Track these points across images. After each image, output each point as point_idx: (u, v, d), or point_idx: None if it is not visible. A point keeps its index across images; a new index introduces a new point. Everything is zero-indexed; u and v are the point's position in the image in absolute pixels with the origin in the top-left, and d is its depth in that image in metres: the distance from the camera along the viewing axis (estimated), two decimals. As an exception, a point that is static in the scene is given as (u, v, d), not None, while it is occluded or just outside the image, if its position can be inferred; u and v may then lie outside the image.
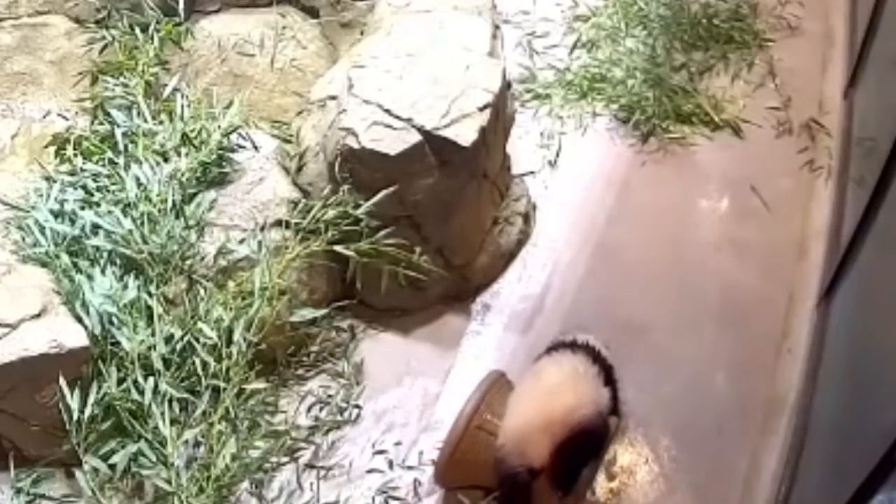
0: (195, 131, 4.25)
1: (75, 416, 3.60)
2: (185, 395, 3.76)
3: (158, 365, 3.77)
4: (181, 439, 3.69)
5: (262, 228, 4.06)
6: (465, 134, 3.98)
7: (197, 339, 3.83)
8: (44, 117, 4.62)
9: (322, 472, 3.90)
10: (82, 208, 4.05)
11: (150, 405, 3.70)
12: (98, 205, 4.06)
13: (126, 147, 4.24)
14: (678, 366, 4.15)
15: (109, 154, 4.24)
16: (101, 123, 4.42)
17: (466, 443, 3.64)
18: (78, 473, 3.67)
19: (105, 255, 3.96)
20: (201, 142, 4.22)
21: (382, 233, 4.02)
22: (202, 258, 4.00)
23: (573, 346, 3.75)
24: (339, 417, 4.05)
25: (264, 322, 3.89)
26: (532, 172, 4.79)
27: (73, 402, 3.60)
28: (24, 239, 4.00)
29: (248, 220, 4.09)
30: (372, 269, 4.05)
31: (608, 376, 3.70)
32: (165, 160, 4.17)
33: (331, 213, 4.04)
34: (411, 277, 4.08)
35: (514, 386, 3.79)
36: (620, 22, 5.38)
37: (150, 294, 3.89)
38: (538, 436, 3.50)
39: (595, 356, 3.71)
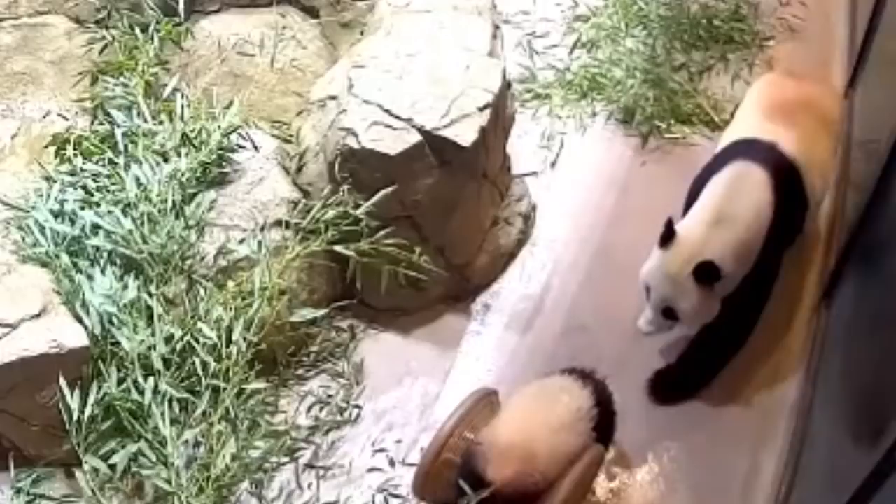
0: (195, 131, 4.25)
1: (75, 416, 3.60)
2: (185, 395, 3.76)
3: (158, 365, 3.77)
4: (181, 439, 3.69)
5: (262, 228, 4.06)
6: (465, 134, 3.99)
7: (197, 339, 3.83)
8: (44, 117, 4.61)
9: (322, 472, 3.90)
10: (82, 208, 4.05)
11: (150, 405, 3.70)
12: (98, 205, 4.06)
13: (126, 147, 4.23)
14: (678, 366, 4.15)
15: (109, 154, 4.23)
16: (101, 123, 4.42)
17: (443, 460, 3.63)
18: (78, 473, 3.67)
19: (105, 255, 3.96)
20: (201, 142, 4.22)
21: (382, 233, 4.02)
22: (202, 258, 4.00)
23: (581, 375, 3.73)
24: (339, 417, 4.05)
25: (264, 322, 3.89)
26: (533, 173, 4.79)
27: (73, 402, 3.61)
28: (24, 239, 4.00)
29: (248, 220, 4.09)
30: (372, 269, 4.05)
31: (606, 409, 3.68)
32: (165, 160, 4.17)
33: (331, 213, 4.04)
34: (411, 277, 4.09)
35: (500, 404, 3.78)
36: (620, 22, 5.37)
37: (150, 294, 3.89)
38: (510, 457, 3.48)
39: (598, 390, 3.70)
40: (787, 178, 3.86)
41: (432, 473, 3.64)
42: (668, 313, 3.81)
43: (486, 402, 3.76)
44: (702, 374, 4.02)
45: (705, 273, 3.66)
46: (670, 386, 4.01)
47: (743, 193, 3.78)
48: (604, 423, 3.67)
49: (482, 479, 3.46)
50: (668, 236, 3.76)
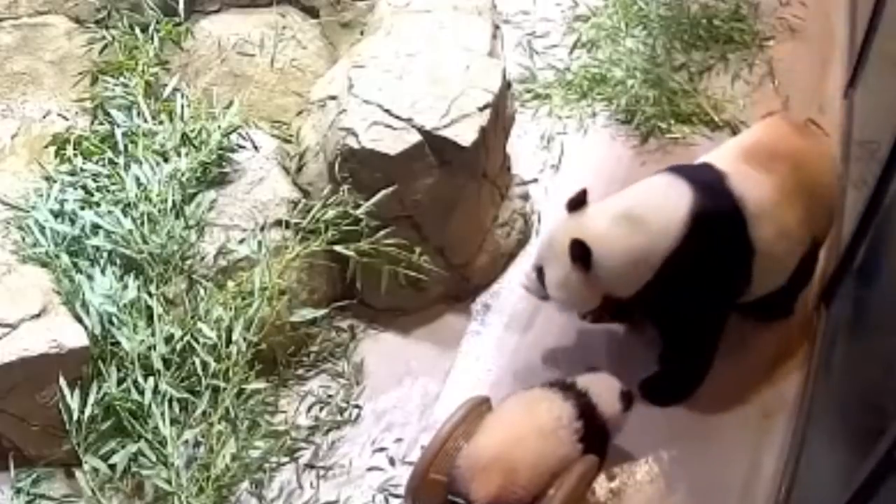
0: (195, 131, 4.25)
1: (75, 416, 3.61)
2: (185, 395, 3.77)
3: (158, 365, 3.77)
4: (181, 439, 3.69)
5: (262, 228, 4.06)
6: (465, 134, 3.99)
7: (197, 339, 3.83)
8: (44, 117, 4.61)
9: (322, 472, 3.90)
10: (82, 208, 4.06)
11: (150, 405, 3.71)
12: (98, 205, 4.07)
13: (126, 147, 4.24)
14: (678, 366, 4.15)
15: (109, 154, 4.24)
16: (101, 123, 4.42)
17: (429, 480, 3.61)
18: (78, 473, 3.68)
19: (105, 255, 3.97)
20: (201, 142, 4.22)
21: (382, 233, 4.02)
22: (202, 258, 4.00)
23: (566, 389, 3.70)
24: (339, 417, 4.05)
25: (264, 322, 3.89)
26: (534, 180, 4.78)
27: (73, 402, 3.61)
28: (24, 239, 4.01)
29: (248, 220, 4.09)
30: (372, 269, 4.05)
31: (591, 421, 3.64)
32: (165, 160, 4.17)
33: (331, 213, 4.05)
34: (411, 277, 4.09)
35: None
36: (620, 22, 5.37)
37: (150, 294, 3.90)
38: (491, 473, 3.45)
39: (583, 404, 3.66)
40: (721, 213, 3.68)
41: (422, 489, 3.63)
42: (540, 276, 3.84)
43: (477, 413, 3.73)
44: (680, 388, 4.03)
45: (577, 251, 3.65)
46: (656, 394, 4.01)
47: (660, 207, 3.69)
48: (591, 435, 3.61)
49: (468, 501, 3.45)
50: (578, 203, 3.80)
